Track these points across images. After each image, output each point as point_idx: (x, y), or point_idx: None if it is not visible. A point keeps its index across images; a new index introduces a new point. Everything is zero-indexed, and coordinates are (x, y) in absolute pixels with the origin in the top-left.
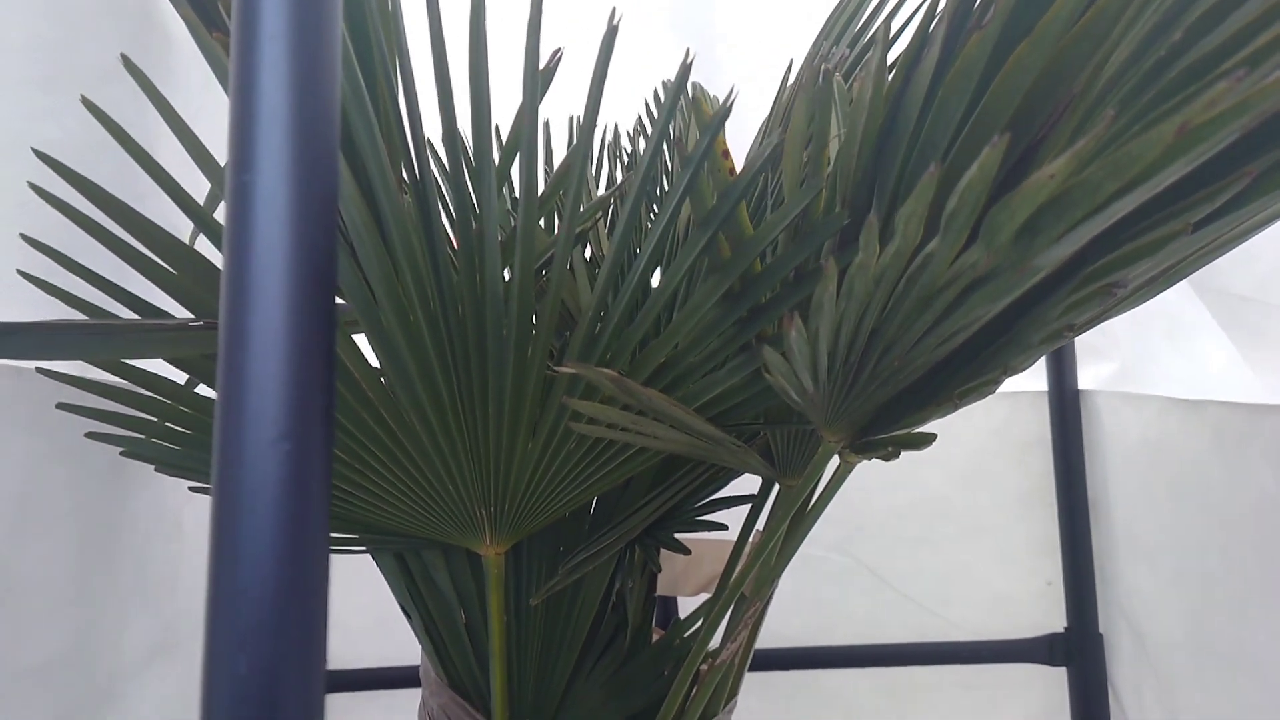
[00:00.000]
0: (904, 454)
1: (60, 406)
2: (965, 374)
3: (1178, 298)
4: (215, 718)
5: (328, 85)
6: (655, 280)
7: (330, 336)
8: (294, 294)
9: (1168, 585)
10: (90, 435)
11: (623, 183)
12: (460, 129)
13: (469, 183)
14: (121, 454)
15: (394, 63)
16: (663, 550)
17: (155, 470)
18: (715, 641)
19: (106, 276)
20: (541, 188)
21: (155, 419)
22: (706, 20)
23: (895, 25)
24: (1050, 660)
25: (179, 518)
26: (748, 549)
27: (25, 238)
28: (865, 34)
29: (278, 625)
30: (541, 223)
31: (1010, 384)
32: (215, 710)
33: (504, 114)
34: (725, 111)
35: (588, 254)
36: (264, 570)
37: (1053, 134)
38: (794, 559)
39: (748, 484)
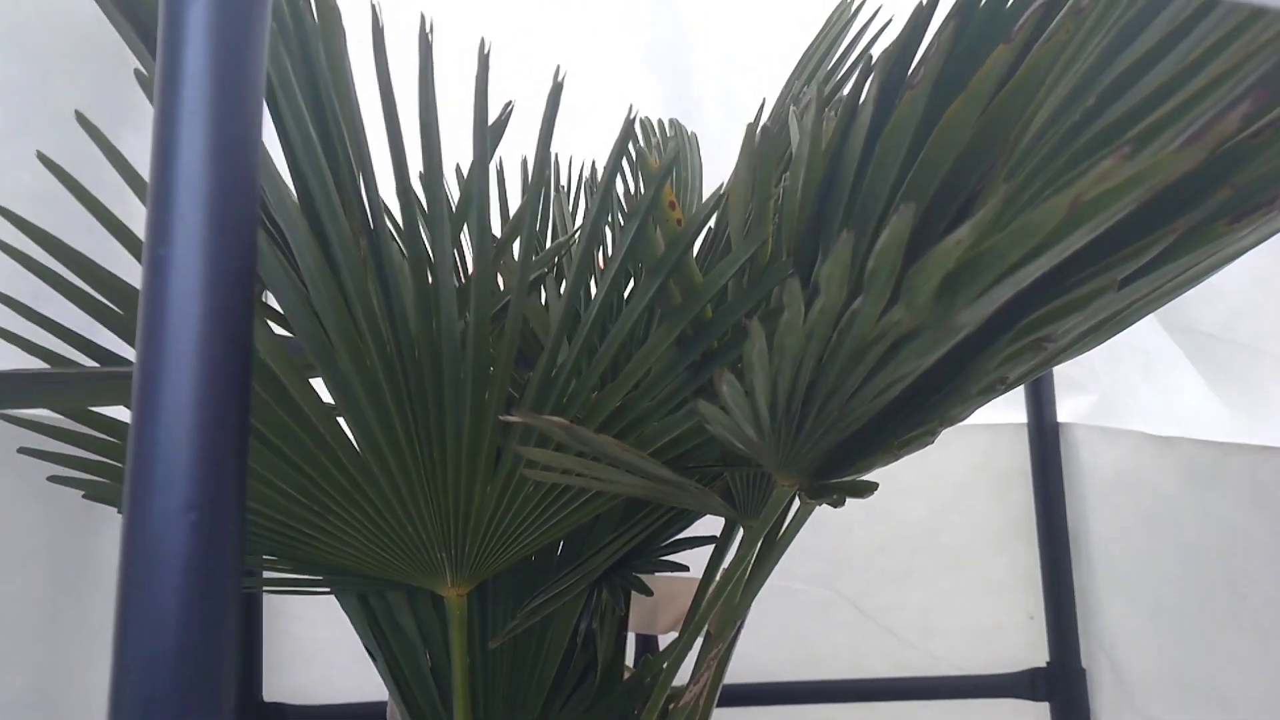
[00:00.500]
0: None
1: (22, 451)
2: (909, 423)
3: (1151, 334)
4: None
5: (246, 157)
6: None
7: (243, 408)
8: (206, 366)
9: (1146, 620)
10: (53, 479)
11: (573, 232)
12: (421, 176)
13: (424, 231)
14: (84, 497)
15: (345, 115)
16: (641, 592)
17: (119, 513)
18: (686, 679)
19: (73, 326)
20: (503, 232)
21: (119, 464)
22: (683, 56)
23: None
24: (1033, 695)
25: None
26: (712, 588)
27: None
28: (838, 72)
29: (183, 692)
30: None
31: (990, 416)
32: None
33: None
34: (669, 164)
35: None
36: (168, 640)
37: (987, 188)
38: (775, 593)
39: (713, 524)
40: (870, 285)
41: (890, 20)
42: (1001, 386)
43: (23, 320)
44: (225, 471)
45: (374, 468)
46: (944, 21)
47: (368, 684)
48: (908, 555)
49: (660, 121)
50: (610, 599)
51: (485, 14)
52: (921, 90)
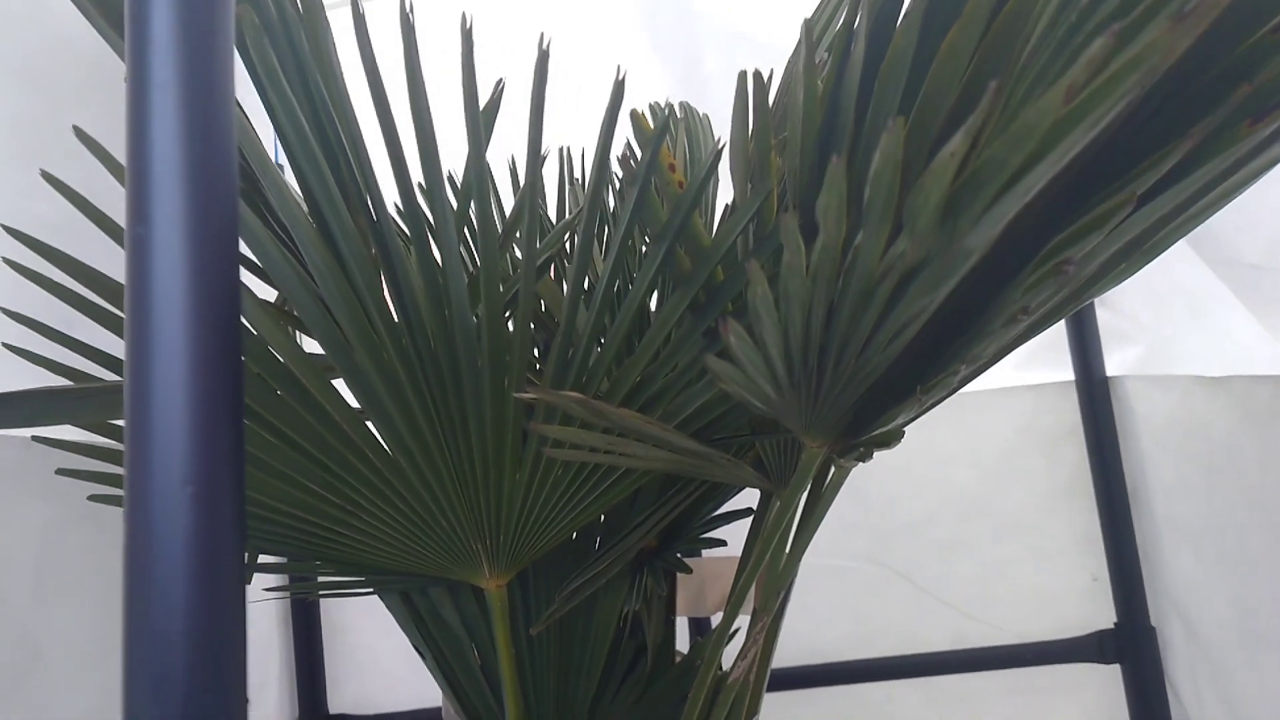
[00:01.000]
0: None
1: (60, 472)
2: (932, 368)
3: (1195, 274)
4: None
5: (221, 132)
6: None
7: (236, 381)
8: (195, 342)
9: (1213, 570)
10: (93, 498)
11: (579, 211)
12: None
13: (428, 218)
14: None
15: (337, 109)
16: (680, 571)
17: None
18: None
19: (96, 343)
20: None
21: None
22: (690, 40)
23: None
24: (1102, 658)
25: None
26: (750, 562)
27: (5, 310)
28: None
29: (191, 671)
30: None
31: (1034, 376)
32: None
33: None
34: (663, 125)
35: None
36: (175, 616)
37: (995, 114)
38: (826, 572)
39: (751, 499)
40: (869, 214)
41: None
42: (1024, 317)
43: (49, 343)
44: (220, 444)
45: (402, 463)
46: None
47: (429, 690)
48: (958, 524)
49: (670, 104)
50: (653, 582)
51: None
52: (913, 20)
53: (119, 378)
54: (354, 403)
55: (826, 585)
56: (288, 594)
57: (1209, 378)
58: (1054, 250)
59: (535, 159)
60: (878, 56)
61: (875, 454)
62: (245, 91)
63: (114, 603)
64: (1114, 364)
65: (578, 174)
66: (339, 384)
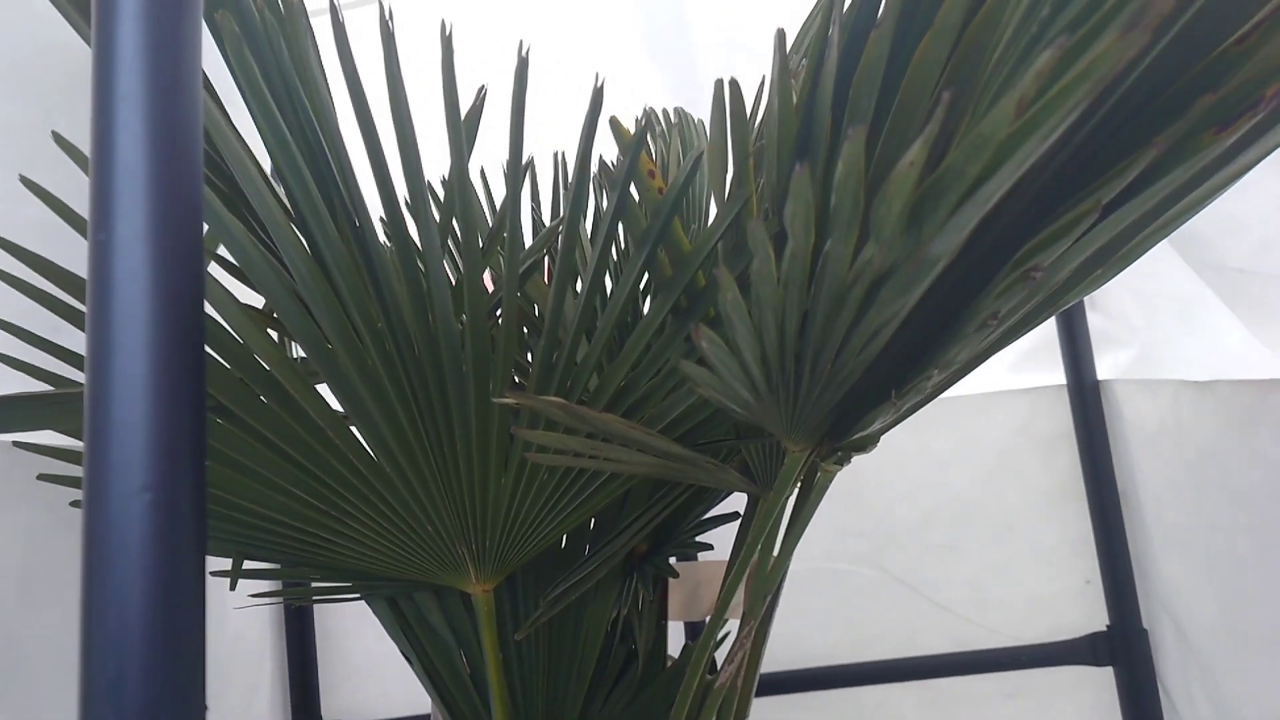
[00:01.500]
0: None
1: (41, 478)
2: (907, 373)
3: (1185, 279)
4: None
5: (185, 141)
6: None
7: (197, 388)
8: (155, 349)
9: (1201, 573)
10: (75, 504)
11: (560, 219)
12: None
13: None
14: None
15: (319, 114)
16: (668, 575)
17: None
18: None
19: (80, 349)
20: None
21: None
22: (684, 43)
23: None
24: (1095, 660)
25: None
26: (736, 566)
27: None
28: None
29: (147, 676)
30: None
31: (1028, 380)
32: None
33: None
34: (642, 133)
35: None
36: (132, 622)
37: (964, 124)
38: (823, 575)
39: (740, 504)
40: (836, 221)
41: None
42: (994, 322)
43: (31, 349)
44: (180, 450)
45: (386, 467)
46: None
47: (423, 696)
48: (954, 527)
49: (666, 110)
50: (642, 587)
51: (480, 13)
52: (886, 29)
53: None
54: (338, 407)
55: (822, 589)
56: (278, 600)
57: (1194, 382)
58: (1023, 258)
59: (516, 164)
60: (852, 65)
61: (872, 458)
62: (233, 99)
63: None
64: (1105, 367)
65: (571, 179)
66: (323, 389)
